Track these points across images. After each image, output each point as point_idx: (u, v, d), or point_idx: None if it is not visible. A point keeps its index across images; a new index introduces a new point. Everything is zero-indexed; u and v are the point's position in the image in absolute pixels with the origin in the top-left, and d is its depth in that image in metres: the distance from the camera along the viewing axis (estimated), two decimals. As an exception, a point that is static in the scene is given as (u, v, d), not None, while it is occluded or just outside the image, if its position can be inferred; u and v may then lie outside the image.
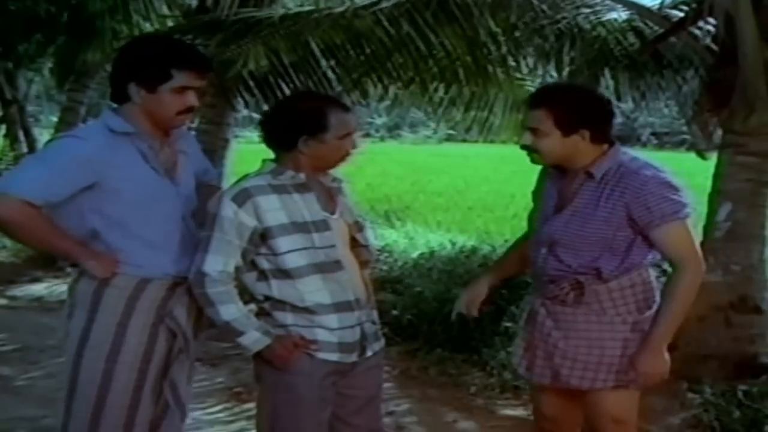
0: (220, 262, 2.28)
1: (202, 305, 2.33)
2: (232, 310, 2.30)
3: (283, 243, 2.28)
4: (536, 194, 2.71)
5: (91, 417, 2.32)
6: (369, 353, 2.45)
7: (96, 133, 2.34)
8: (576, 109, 2.46)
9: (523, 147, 2.54)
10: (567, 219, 2.49)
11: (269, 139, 2.41)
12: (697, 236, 2.56)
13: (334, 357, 2.36)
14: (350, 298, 2.37)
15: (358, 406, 2.49)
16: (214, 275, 2.28)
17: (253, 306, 2.42)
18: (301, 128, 2.33)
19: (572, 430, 2.70)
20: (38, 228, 2.27)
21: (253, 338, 2.32)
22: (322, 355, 2.34)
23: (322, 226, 2.34)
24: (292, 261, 2.29)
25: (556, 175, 2.60)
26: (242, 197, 2.29)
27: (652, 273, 2.57)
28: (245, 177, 2.39)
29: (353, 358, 2.40)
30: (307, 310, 2.33)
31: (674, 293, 2.46)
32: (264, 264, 2.33)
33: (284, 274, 2.31)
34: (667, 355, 2.51)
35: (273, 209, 2.29)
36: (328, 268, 2.33)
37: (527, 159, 2.59)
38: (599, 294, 2.47)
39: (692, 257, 2.47)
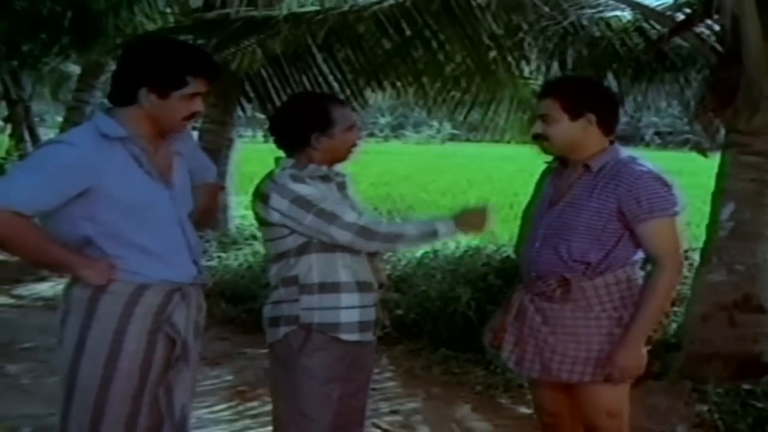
0: (353, 214, 2.44)
1: (391, 246, 2.52)
2: (411, 226, 2.56)
3: None
4: (534, 196, 2.77)
5: (90, 425, 2.27)
6: (378, 333, 2.63)
7: (87, 138, 2.26)
8: (581, 93, 2.59)
9: (535, 136, 2.64)
10: (561, 210, 2.57)
11: (282, 142, 2.58)
12: (684, 236, 2.60)
13: (354, 337, 2.52)
14: (370, 280, 2.55)
15: (357, 387, 2.64)
16: (371, 218, 2.50)
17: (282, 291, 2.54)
18: (310, 126, 2.49)
19: (574, 424, 2.71)
20: (27, 238, 2.20)
21: (444, 226, 2.50)
22: (344, 337, 2.50)
23: None
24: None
25: (556, 172, 2.67)
26: (299, 178, 2.46)
27: (638, 271, 2.60)
28: (270, 174, 2.53)
29: (369, 336, 2.57)
30: (336, 287, 2.48)
31: (653, 290, 2.49)
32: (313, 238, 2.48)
33: (329, 247, 2.47)
34: (644, 350, 2.55)
35: (323, 190, 2.47)
36: (350, 250, 2.50)
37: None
38: (585, 291, 2.51)
39: (673, 255, 2.50)
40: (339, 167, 2.61)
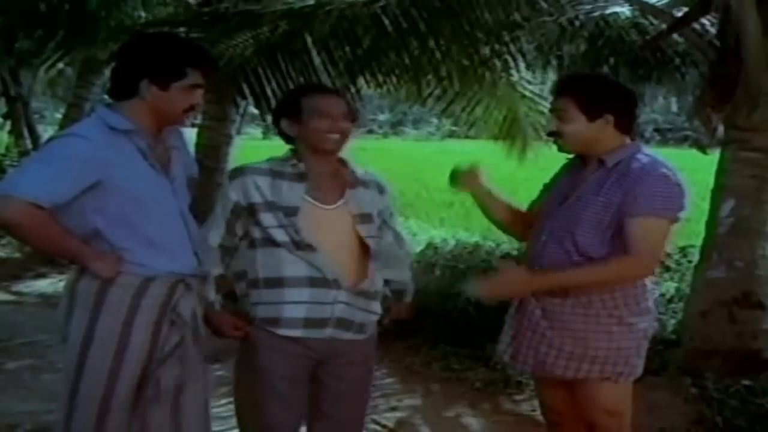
0: (211, 231, 2.50)
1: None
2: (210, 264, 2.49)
3: (266, 218, 2.44)
4: (547, 187, 2.75)
5: (96, 417, 2.30)
6: (328, 332, 2.46)
7: (96, 131, 2.30)
8: (599, 93, 2.55)
9: (550, 134, 2.63)
10: (571, 204, 2.55)
11: (278, 132, 2.61)
12: (672, 241, 2.56)
13: (297, 333, 2.44)
14: (327, 277, 2.44)
15: (335, 396, 2.54)
16: (208, 240, 2.49)
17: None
18: (279, 113, 2.55)
19: (577, 422, 2.71)
20: (46, 230, 2.23)
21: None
22: (283, 332, 2.44)
23: (292, 212, 2.45)
24: (277, 234, 2.44)
25: (575, 169, 2.64)
26: (235, 173, 2.51)
27: None
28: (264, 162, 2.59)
29: (323, 334, 2.46)
30: (281, 282, 2.44)
31: (605, 265, 2.45)
32: (255, 233, 2.47)
33: (271, 243, 2.44)
34: (525, 290, 2.54)
35: (261, 187, 2.45)
36: (302, 247, 2.44)
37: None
38: (588, 288, 2.50)
39: (648, 255, 2.46)
40: (366, 169, 2.63)
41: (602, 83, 2.72)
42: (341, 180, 2.54)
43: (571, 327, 2.52)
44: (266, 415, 2.47)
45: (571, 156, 2.69)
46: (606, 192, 2.48)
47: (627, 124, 2.57)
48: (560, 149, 2.63)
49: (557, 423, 2.76)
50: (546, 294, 2.55)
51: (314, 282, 2.43)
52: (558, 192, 2.65)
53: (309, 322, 2.44)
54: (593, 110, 2.50)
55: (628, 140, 2.57)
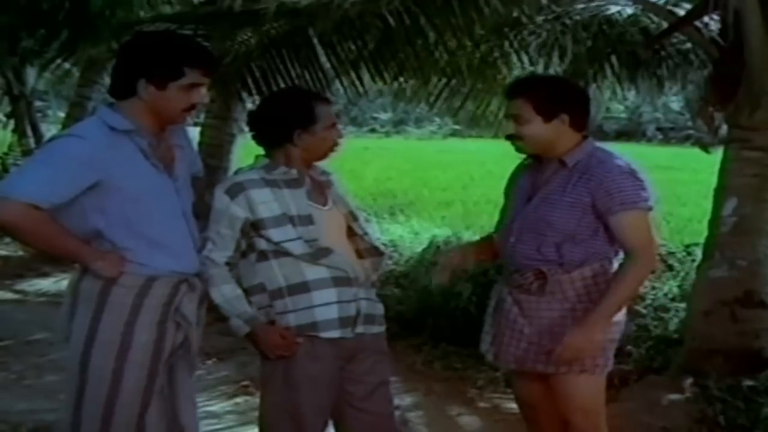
0: (217, 251, 2.42)
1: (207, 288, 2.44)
2: (225, 296, 2.43)
3: (276, 233, 2.42)
4: (507, 190, 2.80)
5: (102, 417, 2.30)
6: (360, 329, 2.50)
7: (95, 132, 2.31)
8: (553, 94, 2.60)
9: (508, 136, 2.67)
10: (536, 205, 2.59)
11: (261, 138, 2.55)
12: (656, 228, 2.63)
13: (336, 333, 2.45)
14: (349, 275, 2.47)
15: (368, 391, 2.56)
16: (216, 261, 2.42)
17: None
18: (293, 123, 2.46)
19: (553, 418, 2.72)
20: (45, 231, 2.24)
21: (236, 325, 2.45)
22: (324, 335, 2.44)
23: (306, 220, 2.45)
24: (291, 247, 2.42)
25: (532, 169, 2.69)
26: (235, 190, 2.43)
27: (617, 265, 2.60)
28: (238, 171, 2.55)
29: (354, 331, 2.48)
30: (306, 287, 2.42)
31: (621, 280, 2.52)
32: (263, 245, 2.44)
33: (285, 253, 2.43)
34: (600, 337, 2.52)
35: (266, 201, 2.42)
36: (319, 254, 2.44)
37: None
38: (562, 284, 2.54)
39: (645, 247, 2.52)
40: (324, 167, 2.61)
41: (555, 84, 2.80)
42: (319, 182, 2.57)
43: (549, 323, 2.56)
44: (308, 429, 2.47)
45: (523, 157, 2.74)
46: (571, 192, 2.53)
47: (582, 122, 2.62)
48: (519, 150, 2.68)
49: (532, 418, 2.80)
50: (522, 292, 2.59)
51: (338, 281, 2.45)
52: (520, 194, 2.68)
53: (342, 322, 2.46)
54: (549, 111, 2.55)
55: (581, 138, 2.61)
